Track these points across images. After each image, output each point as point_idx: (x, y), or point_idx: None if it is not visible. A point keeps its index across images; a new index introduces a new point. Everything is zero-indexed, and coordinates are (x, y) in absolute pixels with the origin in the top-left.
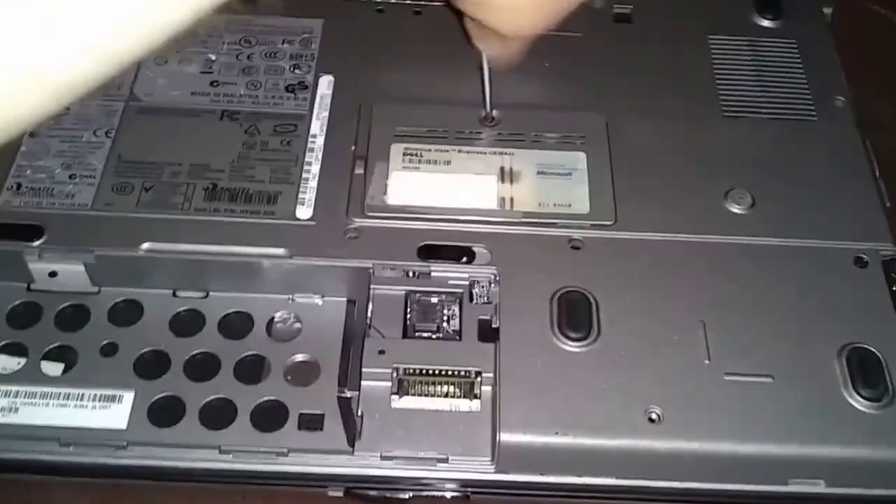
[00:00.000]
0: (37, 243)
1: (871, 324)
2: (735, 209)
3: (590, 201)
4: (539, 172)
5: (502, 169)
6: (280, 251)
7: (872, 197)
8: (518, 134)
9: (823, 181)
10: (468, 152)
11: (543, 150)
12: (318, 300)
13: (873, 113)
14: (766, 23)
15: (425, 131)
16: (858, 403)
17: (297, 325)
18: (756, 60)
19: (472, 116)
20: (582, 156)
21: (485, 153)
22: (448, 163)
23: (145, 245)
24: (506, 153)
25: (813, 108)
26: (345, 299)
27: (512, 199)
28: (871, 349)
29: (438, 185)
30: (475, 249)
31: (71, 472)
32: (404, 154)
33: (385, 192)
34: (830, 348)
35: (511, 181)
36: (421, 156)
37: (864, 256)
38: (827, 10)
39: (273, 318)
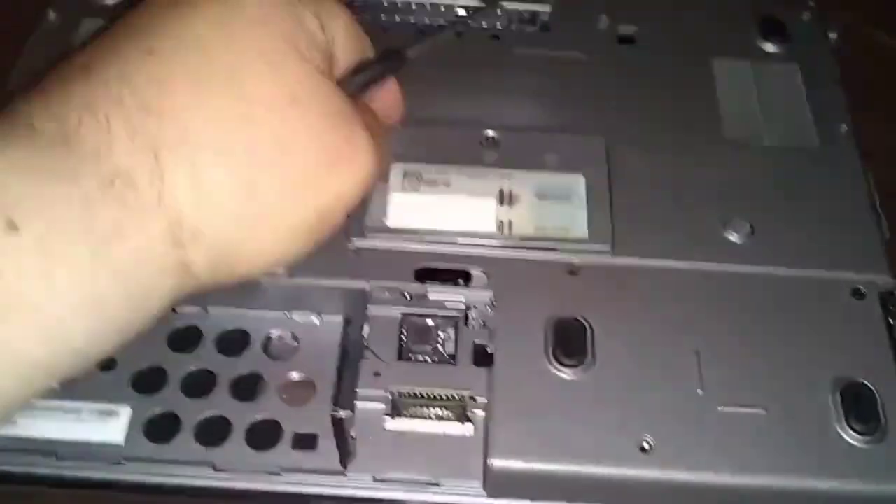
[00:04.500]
0: None
1: (866, 357)
2: (733, 238)
3: (588, 227)
4: (538, 196)
5: (501, 191)
6: (279, 269)
7: (872, 228)
8: (518, 156)
9: (823, 211)
10: (468, 174)
11: (543, 172)
12: (315, 318)
13: (878, 141)
14: (770, 47)
15: (426, 152)
16: (851, 438)
17: (294, 343)
18: (759, 85)
19: (473, 138)
20: (581, 179)
21: (484, 175)
22: (447, 184)
23: None
24: (505, 175)
25: (816, 135)
26: (342, 318)
27: (510, 223)
28: (865, 383)
29: (437, 207)
30: (472, 273)
31: (67, 485)
32: (404, 175)
33: (384, 214)
34: (824, 381)
35: (510, 204)
36: (421, 177)
37: (862, 288)
38: (832, 36)
39: (270, 336)
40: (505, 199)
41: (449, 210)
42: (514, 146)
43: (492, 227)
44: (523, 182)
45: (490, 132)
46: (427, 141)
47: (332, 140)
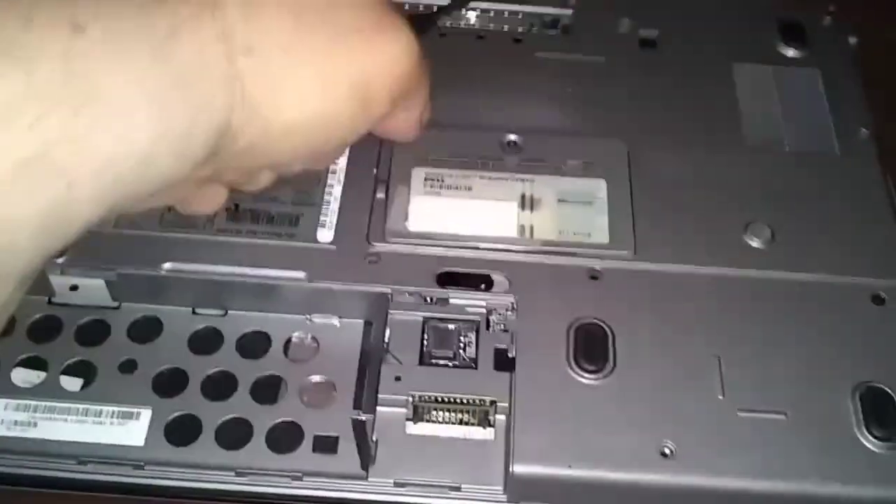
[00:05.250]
0: (60, 260)
1: (886, 362)
2: (754, 243)
3: (609, 231)
4: (560, 200)
5: (523, 196)
6: (300, 274)
7: (893, 233)
8: (539, 160)
9: (844, 216)
10: (490, 178)
11: (565, 176)
12: (336, 321)
13: None
14: (791, 52)
15: (447, 156)
16: (870, 443)
17: (315, 345)
18: (780, 90)
19: (495, 141)
20: (603, 184)
21: (506, 179)
22: (469, 188)
23: (167, 265)
24: (527, 179)
25: (836, 140)
26: (362, 322)
27: (532, 227)
28: (885, 388)
29: (459, 211)
30: (494, 277)
31: (88, 488)
32: (426, 179)
33: (406, 218)
34: (844, 386)
35: (531, 208)
36: (442, 181)
37: (882, 293)
38: (852, 41)
39: (291, 338)
40: (526, 203)
41: (470, 214)
42: (535, 150)
43: (513, 232)
44: (545, 186)
45: (512, 136)
46: (450, 144)
47: (378, 12)
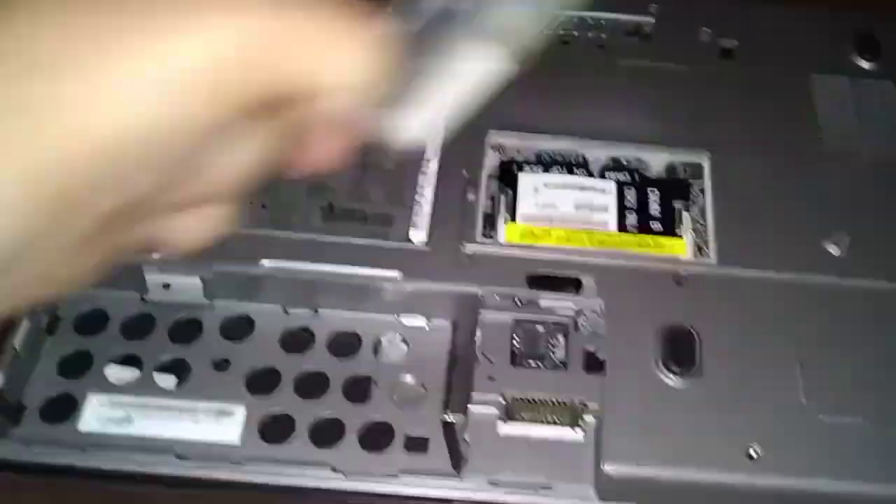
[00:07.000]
0: (156, 256)
1: None
2: (833, 250)
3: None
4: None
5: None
6: (393, 274)
7: None
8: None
9: None
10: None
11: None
12: (424, 322)
13: None
14: (865, 64)
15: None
16: None
17: (404, 346)
18: (856, 100)
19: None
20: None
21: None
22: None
23: (264, 262)
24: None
25: None
26: (450, 322)
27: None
28: None
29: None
30: (583, 280)
31: (184, 484)
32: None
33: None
34: None
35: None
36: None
37: None
38: None
39: (381, 339)
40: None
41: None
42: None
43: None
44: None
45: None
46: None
47: None
